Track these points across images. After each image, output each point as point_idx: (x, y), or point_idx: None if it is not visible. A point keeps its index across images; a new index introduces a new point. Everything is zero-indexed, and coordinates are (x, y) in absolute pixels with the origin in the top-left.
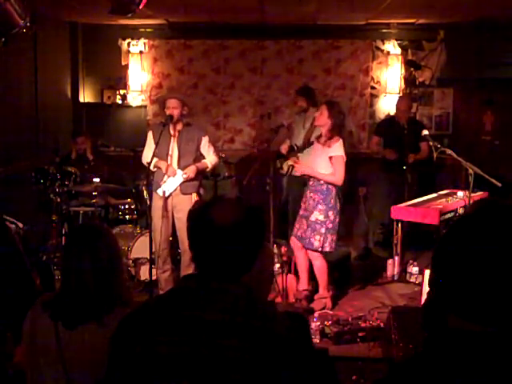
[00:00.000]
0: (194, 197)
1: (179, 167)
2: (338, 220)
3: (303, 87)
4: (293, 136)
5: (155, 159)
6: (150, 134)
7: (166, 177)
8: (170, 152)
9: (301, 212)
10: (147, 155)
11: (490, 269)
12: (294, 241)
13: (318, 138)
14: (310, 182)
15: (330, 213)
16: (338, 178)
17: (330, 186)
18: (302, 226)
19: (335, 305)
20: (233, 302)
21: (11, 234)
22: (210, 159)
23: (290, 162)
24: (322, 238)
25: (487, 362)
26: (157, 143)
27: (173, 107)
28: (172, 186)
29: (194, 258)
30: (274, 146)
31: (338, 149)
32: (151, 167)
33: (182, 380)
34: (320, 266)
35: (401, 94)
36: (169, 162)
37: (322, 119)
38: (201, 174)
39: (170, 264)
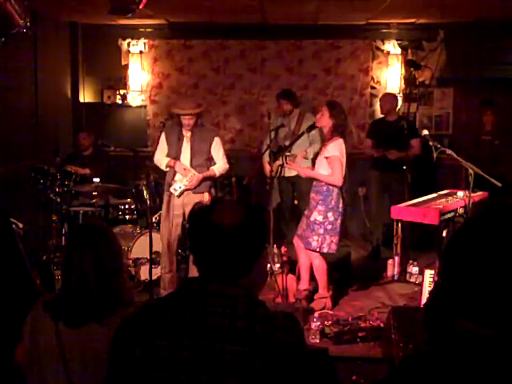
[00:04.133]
0: (206, 196)
1: (191, 166)
2: (339, 221)
3: (285, 90)
4: (279, 138)
5: (167, 159)
6: (162, 136)
7: (178, 175)
8: (183, 151)
9: (305, 212)
10: (159, 156)
11: (503, 271)
12: (296, 240)
13: (323, 139)
14: (314, 183)
15: (330, 214)
16: (336, 178)
17: (330, 187)
18: (302, 225)
19: (335, 305)
20: (233, 306)
21: (13, 234)
22: (218, 166)
23: (278, 163)
24: (320, 239)
25: (494, 365)
26: (157, 143)
27: (189, 119)
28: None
29: (195, 260)
30: (274, 146)
31: (332, 149)
32: (163, 167)
33: None
34: (319, 265)
35: (400, 94)
36: (181, 161)
37: (324, 120)
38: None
39: (175, 265)
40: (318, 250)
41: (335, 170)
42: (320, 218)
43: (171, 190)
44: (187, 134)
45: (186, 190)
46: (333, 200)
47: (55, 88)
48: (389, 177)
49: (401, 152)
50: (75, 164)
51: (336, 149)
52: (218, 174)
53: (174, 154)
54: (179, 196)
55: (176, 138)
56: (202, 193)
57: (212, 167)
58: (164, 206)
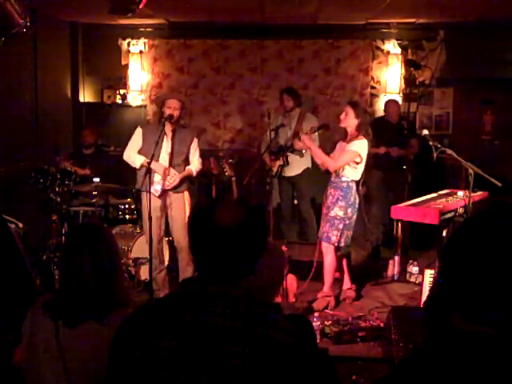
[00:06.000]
0: (186, 195)
1: (170, 166)
2: (355, 216)
3: (290, 88)
4: (279, 137)
5: (143, 158)
6: (138, 131)
7: (156, 176)
8: (162, 151)
9: (323, 211)
10: (131, 151)
11: (500, 271)
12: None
13: (344, 137)
14: (332, 179)
15: (350, 210)
16: (335, 164)
17: (350, 183)
18: (322, 223)
19: (336, 304)
20: (232, 307)
21: (11, 234)
22: (194, 165)
23: (279, 163)
24: (339, 234)
25: (491, 363)
26: (156, 143)
27: (174, 107)
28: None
29: (195, 260)
30: (274, 146)
31: (354, 145)
32: (137, 165)
33: None
34: (330, 262)
35: (400, 94)
36: (160, 161)
37: (349, 120)
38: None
39: (165, 263)
40: (336, 244)
41: (341, 158)
42: (341, 214)
43: (152, 190)
44: (168, 134)
45: (166, 190)
46: (352, 196)
47: (55, 88)
48: (391, 176)
49: (402, 150)
50: (76, 163)
51: (357, 146)
52: (195, 173)
53: (152, 153)
54: (159, 197)
55: (156, 136)
56: (182, 192)
57: (189, 167)
58: (146, 207)
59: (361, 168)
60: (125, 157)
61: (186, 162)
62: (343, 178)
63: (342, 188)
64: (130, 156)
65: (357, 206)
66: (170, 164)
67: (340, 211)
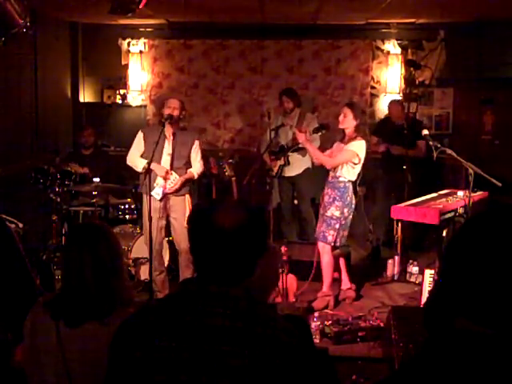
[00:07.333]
0: (188, 198)
1: (171, 169)
2: (351, 216)
3: (288, 89)
4: (280, 137)
5: (146, 161)
6: (140, 135)
7: (158, 179)
8: (163, 153)
9: (320, 211)
10: (134, 156)
11: (501, 271)
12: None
13: (342, 138)
14: (329, 179)
15: (346, 210)
16: (332, 162)
17: (346, 184)
18: (319, 223)
19: (336, 304)
20: (233, 307)
21: (11, 234)
22: (195, 168)
23: (279, 163)
24: (335, 234)
25: (494, 364)
26: (156, 143)
27: (173, 107)
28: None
29: (195, 261)
30: (275, 146)
31: (353, 145)
32: (140, 169)
33: None
34: (328, 261)
35: (400, 94)
36: (161, 164)
37: (348, 121)
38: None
39: (165, 265)
40: (332, 244)
41: (339, 157)
42: (337, 214)
43: (153, 193)
44: (169, 136)
45: (168, 193)
46: (348, 196)
47: (55, 88)
48: (391, 176)
49: (404, 149)
50: (75, 163)
51: (358, 148)
52: (196, 176)
53: (153, 156)
54: (161, 199)
55: (157, 139)
56: (183, 195)
57: (190, 170)
58: (149, 209)
59: (358, 168)
60: (128, 161)
61: (188, 164)
62: (340, 178)
63: (339, 188)
64: (132, 160)
65: (353, 206)
66: (172, 167)
67: (336, 211)
